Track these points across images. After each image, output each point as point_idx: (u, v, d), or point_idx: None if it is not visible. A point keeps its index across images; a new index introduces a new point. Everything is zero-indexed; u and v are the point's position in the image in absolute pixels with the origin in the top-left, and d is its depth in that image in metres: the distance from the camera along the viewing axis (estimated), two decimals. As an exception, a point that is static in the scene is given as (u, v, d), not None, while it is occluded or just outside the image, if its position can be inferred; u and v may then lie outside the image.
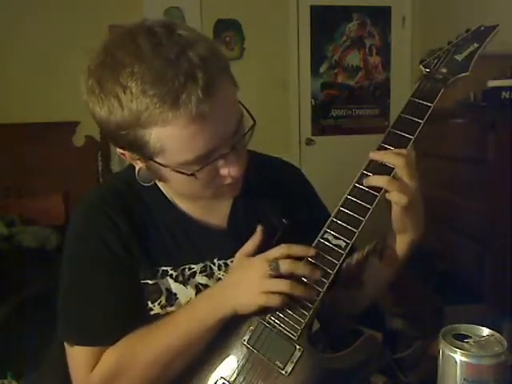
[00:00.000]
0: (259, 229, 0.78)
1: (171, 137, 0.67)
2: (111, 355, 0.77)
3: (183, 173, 0.71)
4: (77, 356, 0.79)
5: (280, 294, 0.70)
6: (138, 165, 0.77)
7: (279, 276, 0.71)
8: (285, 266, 0.71)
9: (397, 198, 0.72)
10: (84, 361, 0.77)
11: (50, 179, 3.10)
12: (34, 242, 2.76)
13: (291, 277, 0.72)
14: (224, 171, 0.74)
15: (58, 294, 0.81)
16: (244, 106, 0.75)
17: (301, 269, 0.72)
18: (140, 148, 0.70)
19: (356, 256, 0.82)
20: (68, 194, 3.15)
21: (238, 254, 0.79)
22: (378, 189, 0.75)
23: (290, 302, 0.72)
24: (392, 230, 0.80)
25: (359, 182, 0.76)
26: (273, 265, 0.71)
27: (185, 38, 0.67)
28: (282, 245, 0.73)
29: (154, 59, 0.65)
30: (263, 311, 0.73)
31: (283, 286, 0.71)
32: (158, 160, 0.71)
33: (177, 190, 0.81)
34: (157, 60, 0.65)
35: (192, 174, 0.71)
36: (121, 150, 0.75)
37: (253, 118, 0.75)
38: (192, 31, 0.70)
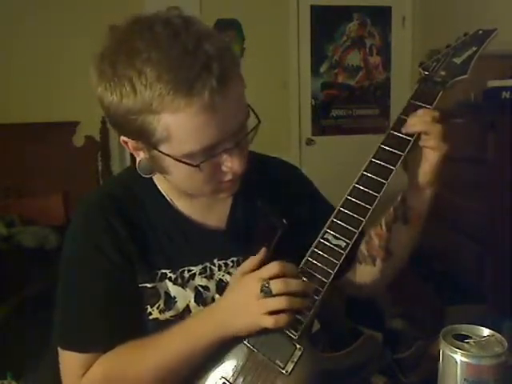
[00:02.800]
0: (262, 250, 0.74)
1: (180, 125, 0.67)
2: (101, 366, 0.76)
3: (188, 163, 0.70)
4: (68, 361, 0.79)
5: (283, 312, 0.69)
6: (140, 156, 0.76)
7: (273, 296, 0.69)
8: (277, 288, 0.69)
9: (438, 145, 0.74)
10: (75, 367, 0.77)
11: (49, 179, 3.11)
12: (34, 242, 2.76)
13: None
14: (227, 166, 0.73)
15: (56, 298, 0.81)
16: (249, 106, 0.75)
17: (294, 286, 0.70)
18: (146, 135, 0.69)
19: (374, 231, 0.83)
20: (68, 194, 3.15)
21: (236, 273, 0.76)
22: (378, 188, 0.75)
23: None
24: (410, 190, 0.81)
25: (359, 182, 0.77)
26: (264, 289, 0.69)
27: (201, 31, 0.68)
28: (275, 263, 0.71)
29: (171, 47, 0.65)
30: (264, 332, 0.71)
31: (282, 303, 0.69)
32: (162, 149, 0.71)
33: (177, 184, 0.80)
34: (174, 48, 0.65)
35: (197, 166, 0.70)
36: (125, 138, 0.74)
37: (258, 117, 0.75)
38: (206, 26, 0.71)
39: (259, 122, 0.75)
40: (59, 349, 0.80)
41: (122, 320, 0.78)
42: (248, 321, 0.70)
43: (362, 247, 0.85)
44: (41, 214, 3.02)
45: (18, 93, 3.16)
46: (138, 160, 0.77)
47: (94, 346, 0.77)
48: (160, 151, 0.71)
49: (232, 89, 0.68)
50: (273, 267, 0.71)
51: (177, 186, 0.81)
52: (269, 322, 0.68)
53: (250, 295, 0.70)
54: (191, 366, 0.74)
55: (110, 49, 0.69)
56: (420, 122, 0.75)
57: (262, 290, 0.69)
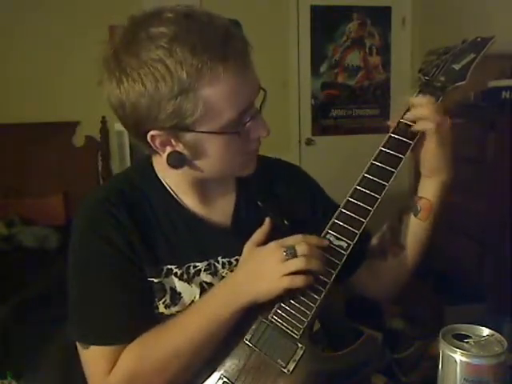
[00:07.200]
0: (267, 220, 0.80)
1: (218, 93, 0.69)
2: (128, 357, 0.75)
3: (229, 132, 0.73)
4: (92, 358, 0.77)
5: (301, 273, 0.71)
6: (166, 151, 0.76)
7: None
8: (301, 249, 0.72)
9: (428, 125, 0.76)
10: (101, 362, 0.76)
11: (49, 179, 3.11)
12: (34, 242, 2.76)
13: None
14: (255, 132, 0.77)
15: (69, 296, 0.79)
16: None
17: (316, 253, 0.73)
18: (182, 118, 0.70)
19: (386, 225, 0.86)
20: (68, 194, 3.15)
21: (248, 244, 0.79)
22: (379, 190, 0.76)
23: (294, 300, 0.73)
24: (422, 181, 0.83)
25: (361, 184, 0.78)
26: (289, 250, 0.72)
27: (208, 12, 0.72)
28: (298, 235, 0.74)
29: (189, 24, 0.68)
30: (282, 297, 0.74)
31: (301, 263, 0.71)
32: (200, 129, 0.72)
33: (209, 166, 0.79)
34: (192, 24, 0.69)
35: (237, 132, 0.73)
36: (154, 133, 0.73)
37: (263, 89, 0.77)
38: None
39: (265, 92, 0.78)
40: (80, 348, 0.78)
41: (142, 309, 0.78)
42: (268, 284, 0.72)
43: (374, 242, 0.88)
44: (41, 214, 3.02)
45: (18, 93, 3.16)
46: (165, 155, 0.76)
47: (118, 337, 0.76)
48: (198, 131, 0.72)
49: (251, 54, 0.73)
50: (297, 237, 0.74)
51: (208, 172, 0.80)
52: (286, 281, 0.71)
53: (272, 261, 0.73)
54: (213, 343, 0.75)
55: (123, 42, 0.69)
56: (419, 110, 0.78)
57: (286, 252, 0.72)
